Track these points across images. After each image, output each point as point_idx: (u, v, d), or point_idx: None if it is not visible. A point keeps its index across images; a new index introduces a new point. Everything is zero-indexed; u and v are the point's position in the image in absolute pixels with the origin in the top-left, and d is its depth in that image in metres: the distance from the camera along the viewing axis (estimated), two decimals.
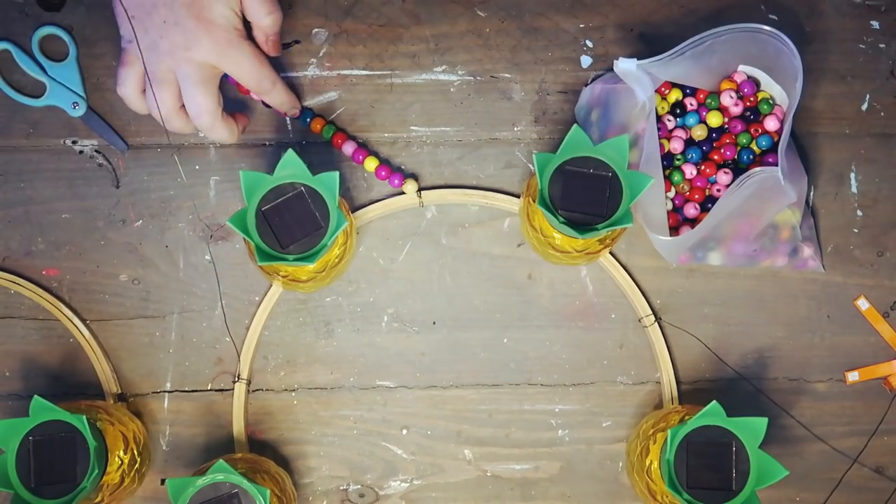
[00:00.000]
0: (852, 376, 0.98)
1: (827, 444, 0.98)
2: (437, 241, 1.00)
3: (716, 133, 0.97)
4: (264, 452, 0.97)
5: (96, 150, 1.00)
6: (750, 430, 0.85)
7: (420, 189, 0.99)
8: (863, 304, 0.99)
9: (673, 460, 0.84)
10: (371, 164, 0.98)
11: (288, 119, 1.00)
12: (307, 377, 0.99)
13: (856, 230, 0.99)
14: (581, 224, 0.85)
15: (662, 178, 0.92)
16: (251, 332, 0.97)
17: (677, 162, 0.97)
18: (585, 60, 1.01)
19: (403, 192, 0.99)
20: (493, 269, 1.00)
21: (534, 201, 0.88)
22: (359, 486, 0.98)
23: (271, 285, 0.98)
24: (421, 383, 0.99)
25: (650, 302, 0.98)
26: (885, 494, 0.98)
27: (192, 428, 0.98)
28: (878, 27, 1.01)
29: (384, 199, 0.99)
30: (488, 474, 0.98)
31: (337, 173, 0.85)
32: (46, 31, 1.00)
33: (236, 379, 0.97)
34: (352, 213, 0.97)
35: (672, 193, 0.97)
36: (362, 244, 0.99)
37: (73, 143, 1.00)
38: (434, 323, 0.99)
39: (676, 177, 0.97)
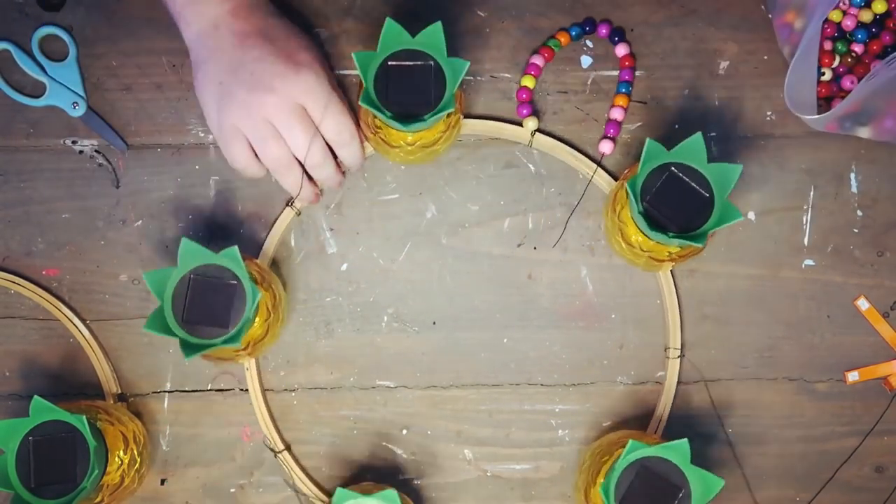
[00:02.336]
0: (852, 376, 0.98)
1: (827, 444, 0.98)
2: (437, 241, 1.00)
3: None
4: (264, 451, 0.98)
5: (96, 150, 1.00)
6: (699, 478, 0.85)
7: (537, 131, 0.99)
8: (863, 304, 0.99)
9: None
10: (528, 81, 0.99)
11: None
12: (307, 377, 0.99)
13: (856, 230, 0.99)
14: (688, 230, 0.87)
15: (816, 52, 0.93)
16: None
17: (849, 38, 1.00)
18: (585, 60, 1.01)
19: (521, 125, 1.00)
20: (493, 269, 1.00)
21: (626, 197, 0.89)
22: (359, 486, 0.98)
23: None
24: (421, 383, 0.99)
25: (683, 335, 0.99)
26: (885, 494, 0.98)
27: (192, 428, 0.98)
28: None
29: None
30: (488, 474, 0.98)
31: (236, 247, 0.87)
32: (46, 31, 1.00)
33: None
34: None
35: (837, 62, 1.00)
36: (362, 244, 0.99)
37: (73, 143, 1.00)
38: (434, 323, 0.99)
39: (841, 46, 0.99)
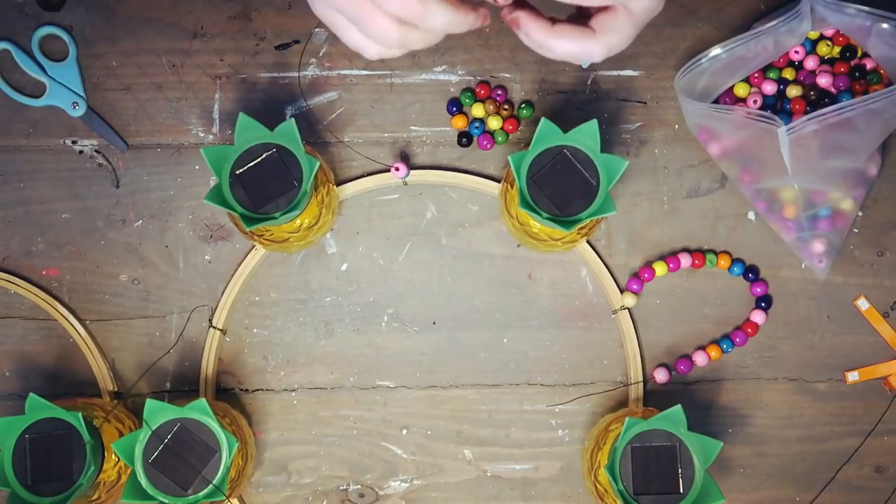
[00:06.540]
0: (852, 376, 0.98)
1: (827, 444, 0.98)
2: (437, 241, 1.00)
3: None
4: (263, 448, 0.98)
5: (96, 150, 1.00)
6: (701, 446, 0.85)
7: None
8: (863, 304, 0.98)
9: (619, 461, 0.85)
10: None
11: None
12: (307, 377, 0.99)
13: (856, 230, 0.99)
14: (564, 215, 0.86)
15: None
16: (232, 283, 0.98)
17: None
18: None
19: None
20: (493, 269, 1.00)
21: (512, 188, 0.88)
22: (359, 486, 0.98)
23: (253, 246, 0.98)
24: (421, 383, 0.99)
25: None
26: (885, 494, 0.98)
27: None
28: None
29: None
30: (488, 474, 0.98)
31: (293, 120, 0.86)
32: (46, 31, 1.00)
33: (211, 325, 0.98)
34: (336, 185, 0.97)
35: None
36: (362, 244, 0.99)
37: (73, 143, 1.00)
38: (434, 323, 0.99)
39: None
